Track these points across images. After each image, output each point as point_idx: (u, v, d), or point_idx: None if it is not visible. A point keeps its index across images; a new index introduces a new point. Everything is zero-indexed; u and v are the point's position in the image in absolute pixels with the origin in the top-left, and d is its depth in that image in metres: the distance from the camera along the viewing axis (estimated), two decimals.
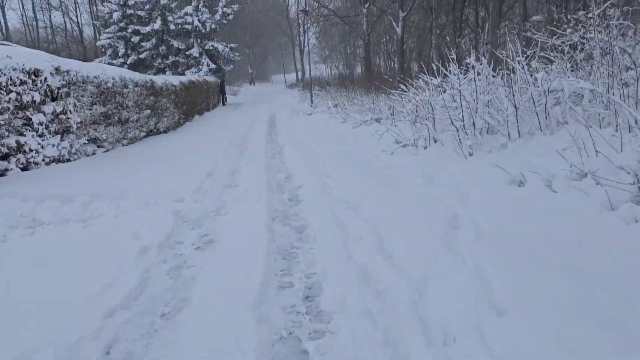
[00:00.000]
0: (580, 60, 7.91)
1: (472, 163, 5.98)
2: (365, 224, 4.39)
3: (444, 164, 6.39)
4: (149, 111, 13.61)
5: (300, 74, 48.94)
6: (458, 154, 6.64)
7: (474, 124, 6.68)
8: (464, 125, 6.65)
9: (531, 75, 6.74)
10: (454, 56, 7.09)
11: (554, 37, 8.38)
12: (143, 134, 13.33)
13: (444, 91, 7.37)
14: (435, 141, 7.95)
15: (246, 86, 57.21)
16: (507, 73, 7.82)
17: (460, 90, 6.44)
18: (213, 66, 31.60)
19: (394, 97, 8.91)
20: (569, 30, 8.46)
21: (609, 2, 7.18)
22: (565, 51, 8.14)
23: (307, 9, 29.63)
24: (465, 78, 6.44)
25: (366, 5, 28.72)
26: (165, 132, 15.51)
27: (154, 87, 14.44)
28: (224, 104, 30.38)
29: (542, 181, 4.39)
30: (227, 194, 6.47)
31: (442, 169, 6.03)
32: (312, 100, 23.45)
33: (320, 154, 8.90)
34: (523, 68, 6.67)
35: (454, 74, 6.65)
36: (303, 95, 30.59)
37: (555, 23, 9.08)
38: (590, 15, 7.50)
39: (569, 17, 8.78)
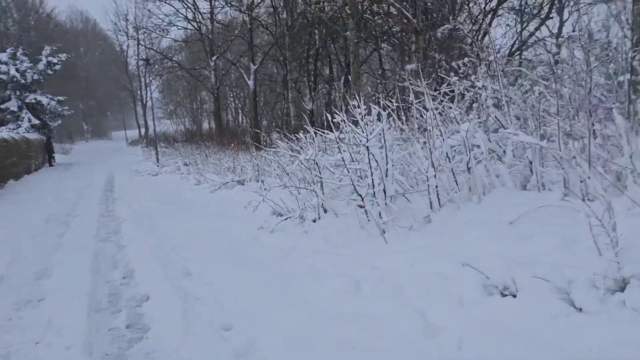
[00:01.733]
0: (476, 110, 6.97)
1: (397, 249, 4.29)
2: None
3: (355, 249, 4.62)
4: None
5: (143, 130, 45.13)
6: (369, 233, 4.94)
7: (384, 190, 5.08)
8: (373, 193, 5.00)
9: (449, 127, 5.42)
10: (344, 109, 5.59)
11: (444, 86, 7.37)
12: None
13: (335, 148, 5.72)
14: (326, 211, 6.24)
15: (81, 143, 51.36)
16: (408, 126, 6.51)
17: (368, 147, 4.81)
18: (37, 122, 27.01)
19: (267, 155, 7.16)
20: (454, 78, 7.56)
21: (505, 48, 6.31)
22: (449, 99, 7.16)
23: (148, 58, 26.98)
24: (373, 132, 4.84)
25: (213, 58, 27.09)
26: None
27: None
28: (51, 165, 25.86)
29: (548, 289, 2.79)
30: (14, 328, 3.88)
31: (359, 260, 4.24)
32: (158, 159, 20.69)
33: (174, 233, 6.61)
34: (435, 117, 5.32)
35: (360, 126, 5.04)
36: (147, 152, 27.45)
37: (437, 70, 8.18)
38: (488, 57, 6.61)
39: (453, 64, 7.92)
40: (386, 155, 5.05)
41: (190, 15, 27.09)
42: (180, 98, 42.21)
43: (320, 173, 6.29)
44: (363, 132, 4.88)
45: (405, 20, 11.61)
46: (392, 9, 15.05)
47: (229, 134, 24.50)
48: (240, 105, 36.00)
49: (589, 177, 4.45)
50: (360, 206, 5.33)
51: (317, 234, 5.48)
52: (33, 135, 24.54)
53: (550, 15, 13.76)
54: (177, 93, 41.61)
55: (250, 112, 25.30)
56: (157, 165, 19.30)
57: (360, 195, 5.19)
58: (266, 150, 7.61)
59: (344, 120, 5.36)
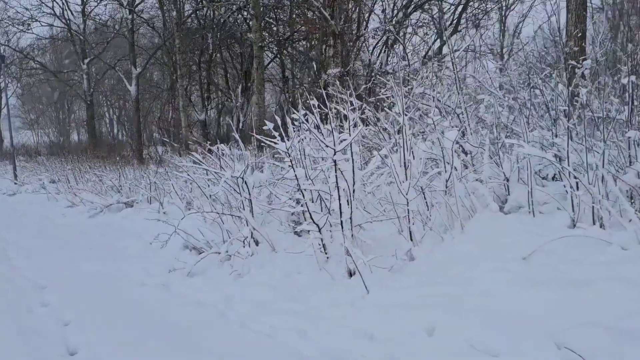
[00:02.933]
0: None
1: (387, 302, 3.09)
2: None
3: (325, 302, 3.32)
4: None
5: None
6: (333, 276, 3.67)
7: (350, 218, 3.84)
8: (341, 222, 3.73)
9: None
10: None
11: (383, 91, 6.41)
12: None
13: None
14: (258, 243, 4.85)
15: None
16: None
17: (335, 160, 3.54)
18: None
19: (176, 171, 5.57)
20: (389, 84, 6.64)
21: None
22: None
23: (3, 55, 22.94)
24: (341, 139, 3.59)
25: (86, 61, 23.99)
26: None
27: None
28: None
29: None
30: None
31: (341, 322, 2.94)
32: (16, 175, 17.46)
33: (44, 281, 4.74)
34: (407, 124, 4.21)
35: (324, 133, 3.74)
36: (2, 168, 23.39)
37: (367, 76, 7.21)
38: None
39: (388, 68, 7.01)
40: (353, 172, 3.82)
41: (57, 10, 23.73)
42: (44, 105, 37.38)
43: (250, 195, 4.90)
44: (327, 140, 3.60)
45: (316, 25, 10.60)
46: (295, 15, 14.10)
47: (106, 146, 21.72)
48: (116, 115, 32.67)
49: (602, 199, 3.63)
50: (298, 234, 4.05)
51: (257, 279, 4.07)
52: None
53: (458, 30, 13.71)
54: (40, 100, 36.79)
55: (132, 122, 22.69)
56: (15, 183, 16.19)
57: (318, 225, 3.91)
58: (173, 165, 6.00)
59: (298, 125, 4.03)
